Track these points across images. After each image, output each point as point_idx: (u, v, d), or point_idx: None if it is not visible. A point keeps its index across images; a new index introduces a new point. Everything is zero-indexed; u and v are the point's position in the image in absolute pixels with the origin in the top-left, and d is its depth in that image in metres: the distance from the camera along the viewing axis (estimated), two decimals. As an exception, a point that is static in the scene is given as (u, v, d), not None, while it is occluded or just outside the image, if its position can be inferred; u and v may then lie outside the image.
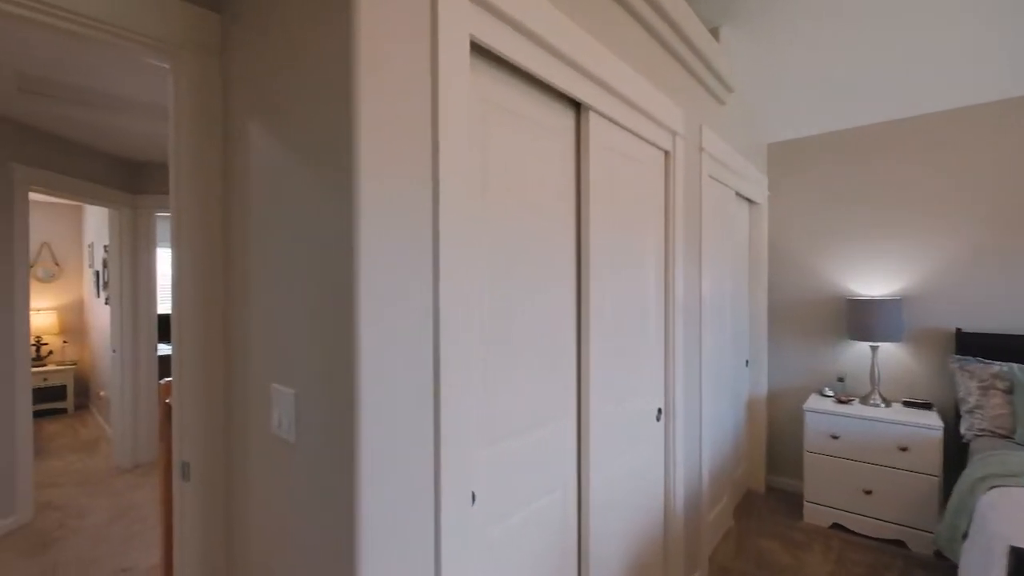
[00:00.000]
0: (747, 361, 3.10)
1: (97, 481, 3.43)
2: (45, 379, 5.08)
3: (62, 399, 5.23)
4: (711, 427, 2.41)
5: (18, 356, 2.75)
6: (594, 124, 1.50)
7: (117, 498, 3.16)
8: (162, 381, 2.15)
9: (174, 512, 1.31)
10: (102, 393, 4.52)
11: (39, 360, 5.19)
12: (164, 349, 4.64)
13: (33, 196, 4.97)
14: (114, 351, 3.61)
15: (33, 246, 5.30)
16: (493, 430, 1.21)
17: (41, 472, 3.56)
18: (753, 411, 3.14)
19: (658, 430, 1.91)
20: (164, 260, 5.20)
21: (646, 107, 1.68)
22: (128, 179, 3.65)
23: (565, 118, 1.45)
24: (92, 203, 3.34)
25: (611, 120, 1.57)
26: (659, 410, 1.90)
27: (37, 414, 5.10)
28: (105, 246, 4.30)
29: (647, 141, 1.79)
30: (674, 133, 1.92)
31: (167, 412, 2.18)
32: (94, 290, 4.92)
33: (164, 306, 5.39)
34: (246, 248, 1.18)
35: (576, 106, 1.49)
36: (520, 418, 1.29)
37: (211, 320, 1.28)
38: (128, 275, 3.64)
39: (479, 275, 1.17)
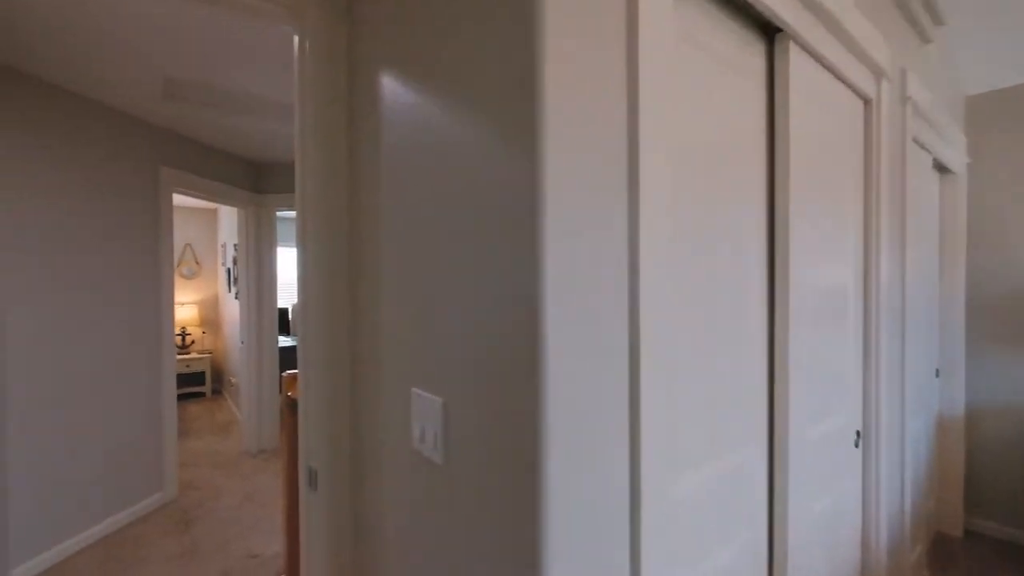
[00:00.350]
0: (937, 371, 2.48)
1: (229, 464, 3.66)
2: (188, 366, 5.66)
3: (201, 384, 5.80)
4: (911, 454, 1.90)
5: (165, 345, 2.96)
6: (794, 59, 1.14)
7: (245, 481, 3.33)
8: (284, 373, 2.14)
9: (301, 520, 1.19)
10: (233, 380, 4.92)
11: (183, 348, 5.81)
12: (283, 341, 4.92)
13: (176, 200, 5.56)
14: (242, 343, 3.83)
15: (178, 246, 5.93)
16: (671, 460, 0.92)
17: (184, 452, 3.90)
18: (945, 433, 2.51)
19: (856, 458, 1.49)
20: (283, 258, 5.56)
21: (853, 33, 1.28)
22: (253, 179, 3.85)
23: (755, 53, 1.11)
24: (223, 203, 3.56)
25: (812, 53, 1.20)
26: (857, 433, 1.48)
27: (180, 397, 5.70)
28: (235, 244, 4.64)
29: (848, 84, 1.38)
30: (880, 74, 1.48)
31: (289, 403, 2.15)
32: (226, 286, 5.38)
33: (282, 301, 5.76)
34: (377, 232, 1.01)
35: (768, 37, 1.15)
36: (700, 444, 0.98)
37: (338, 316, 1.13)
38: (253, 272, 3.85)
39: (672, 259, 0.89)
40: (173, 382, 3.03)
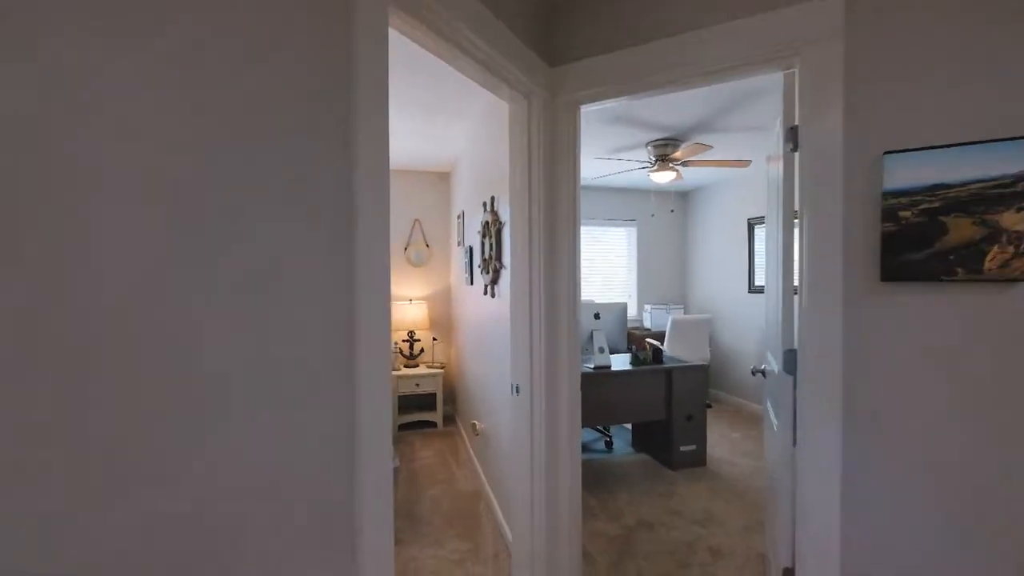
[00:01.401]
0: None
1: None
2: (417, 384, 4.17)
3: (431, 409, 4.29)
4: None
5: (373, 365, 1.01)
6: None
7: None
8: None
9: None
10: (478, 426, 3.09)
11: (411, 359, 4.36)
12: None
13: (398, 163, 4.05)
14: (516, 391, 1.80)
15: (404, 223, 4.53)
16: None
17: (413, 570, 2.08)
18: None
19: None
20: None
21: None
22: (539, 35, 1.78)
23: None
24: (481, 73, 1.52)
25: None
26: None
27: (405, 426, 4.25)
28: (487, 202, 2.74)
29: None
30: None
31: None
32: (463, 274, 3.66)
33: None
34: None
35: None
36: None
37: None
38: (540, 238, 1.78)
39: None
40: (388, 441, 1.10)
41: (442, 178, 4.61)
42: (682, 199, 5.82)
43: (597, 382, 3.13)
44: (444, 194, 4.63)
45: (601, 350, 3.20)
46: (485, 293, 2.81)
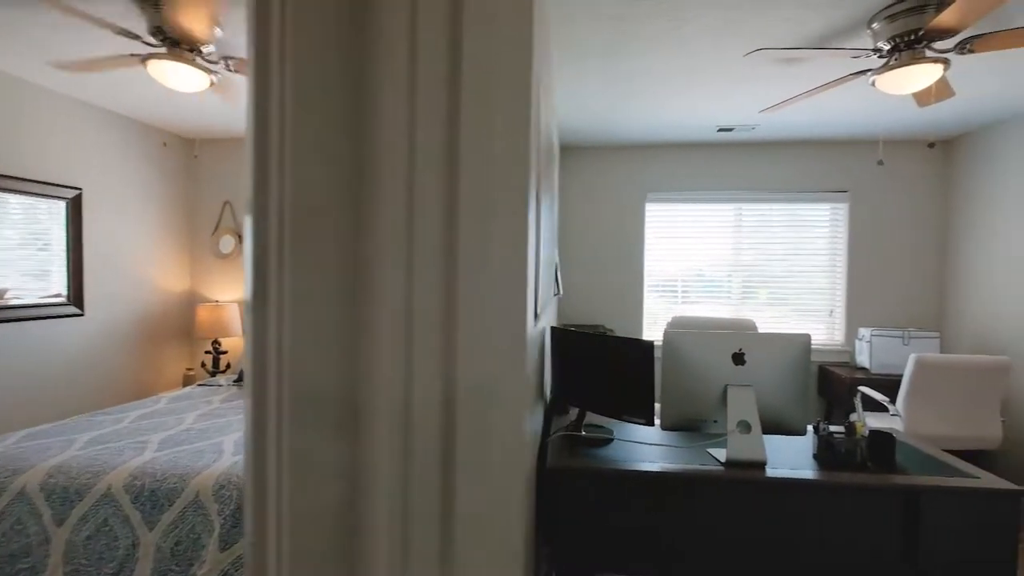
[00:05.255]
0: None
1: None
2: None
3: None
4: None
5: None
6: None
7: None
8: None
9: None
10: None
11: (214, 373, 3.45)
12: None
13: (200, 124, 3.20)
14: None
15: (213, 204, 3.62)
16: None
17: None
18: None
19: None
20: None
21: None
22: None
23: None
24: None
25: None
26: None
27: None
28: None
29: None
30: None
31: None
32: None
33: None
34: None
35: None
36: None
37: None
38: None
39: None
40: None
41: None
42: (941, 150, 3.36)
43: (737, 498, 1.37)
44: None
45: (745, 427, 1.45)
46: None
